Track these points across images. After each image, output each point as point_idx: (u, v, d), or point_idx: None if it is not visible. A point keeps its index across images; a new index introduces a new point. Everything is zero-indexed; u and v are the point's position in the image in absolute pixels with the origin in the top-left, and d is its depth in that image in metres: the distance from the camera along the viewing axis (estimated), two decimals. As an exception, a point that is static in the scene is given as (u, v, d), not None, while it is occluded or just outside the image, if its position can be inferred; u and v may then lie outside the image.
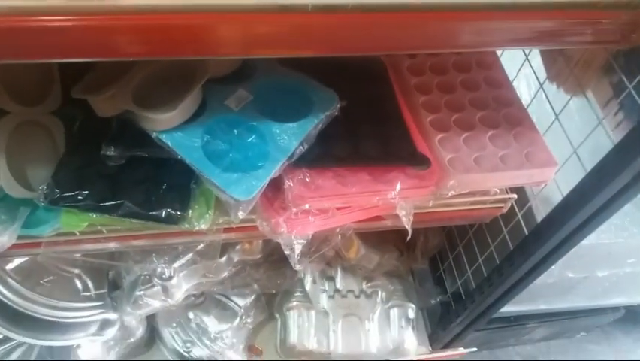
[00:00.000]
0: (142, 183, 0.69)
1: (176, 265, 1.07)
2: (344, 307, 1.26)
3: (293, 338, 1.22)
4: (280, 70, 0.74)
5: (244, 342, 1.23)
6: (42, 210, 0.71)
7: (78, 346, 1.08)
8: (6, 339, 1.07)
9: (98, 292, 1.05)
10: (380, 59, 0.87)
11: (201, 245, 1.06)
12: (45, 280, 0.99)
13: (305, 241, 0.69)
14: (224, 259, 1.13)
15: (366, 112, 0.76)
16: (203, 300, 1.23)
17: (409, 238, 0.77)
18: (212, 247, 0.99)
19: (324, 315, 1.25)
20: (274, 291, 1.26)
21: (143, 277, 1.05)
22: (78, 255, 0.95)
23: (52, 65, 0.73)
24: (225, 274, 1.15)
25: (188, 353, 1.16)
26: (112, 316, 1.04)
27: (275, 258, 1.27)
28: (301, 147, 0.66)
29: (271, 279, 1.26)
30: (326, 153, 0.70)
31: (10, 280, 0.95)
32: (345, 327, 1.24)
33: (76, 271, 1.04)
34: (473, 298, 1.13)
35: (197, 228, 0.69)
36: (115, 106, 0.65)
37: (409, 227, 0.76)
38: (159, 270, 1.06)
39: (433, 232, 1.29)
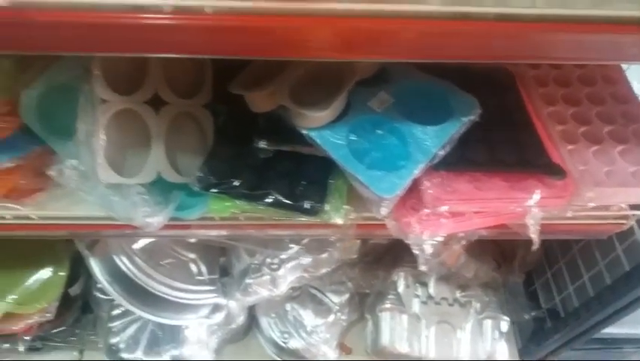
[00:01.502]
0: (284, 176, 0.74)
1: (284, 257, 1.12)
2: (437, 314, 1.26)
3: (385, 339, 1.24)
4: (417, 75, 0.76)
5: (337, 339, 1.26)
6: (187, 195, 0.77)
7: (186, 327, 1.15)
8: (123, 314, 1.15)
9: (210, 277, 1.11)
10: (507, 68, 0.88)
11: (306, 240, 1.11)
12: (165, 262, 1.07)
13: (436, 242, 0.71)
14: (325, 255, 1.17)
15: (498, 119, 0.77)
16: (299, 293, 1.27)
17: (535, 247, 0.77)
18: (320, 242, 1.04)
19: (417, 320, 1.26)
20: (367, 291, 1.29)
21: (253, 266, 1.10)
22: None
23: (206, 62, 0.79)
24: (324, 270, 1.18)
25: (285, 343, 1.20)
26: (222, 301, 1.10)
27: (369, 259, 1.30)
28: (442, 151, 0.68)
29: (365, 279, 1.29)
30: (462, 157, 0.71)
31: (137, 258, 1.03)
32: (437, 334, 1.25)
33: (192, 255, 1.11)
34: (578, 316, 1.10)
35: (332, 221, 0.73)
36: (271, 102, 0.69)
37: (536, 237, 0.76)
38: (268, 260, 1.11)
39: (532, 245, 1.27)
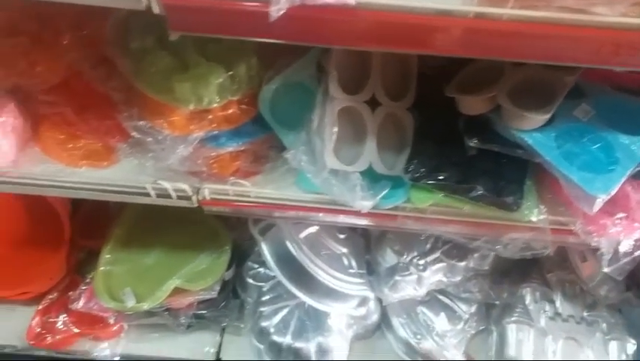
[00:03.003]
0: (485, 173, 0.82)
1: (429, 259, 1.19)
2: (564, 330, 1.29)
3: (511, 351, 1.27)
4: (610, 91, 0.83)
5: (464, 345, 1.30)
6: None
7: (330, 317, 1.23)
8: (272, 300, 1.25)
9: (359, 271, 1.19)
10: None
11: (447, 246, 1.18)
12: (323, 252, 1.16)
13: (633, 243, 0.77)
14: (463, 263, 1.23)
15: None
16: (429, 298, 1.33)
17: None
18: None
19: (543, 334, 1.29)
20: (496, 302, 1.33)
21: (401, 264, 1.18)
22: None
23: (412, 71, 0.89)
24: (460, 277, 1.24)
25: (418, 343, 1.26)
26: (370, 295, 1.18)
27: (499, 271, 1.35)
28: (650, 158, 0.74)
29: (493, 290, 1.34)
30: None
31: (303, 245, 1.12)
32: (564, 350, 1.27)
33: (344, 250, 1.19)
34: None
35: (529, 218, 0.80)
36: (486, 105, 0.78)
37: None
38: (415, 261, 1.18)
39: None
